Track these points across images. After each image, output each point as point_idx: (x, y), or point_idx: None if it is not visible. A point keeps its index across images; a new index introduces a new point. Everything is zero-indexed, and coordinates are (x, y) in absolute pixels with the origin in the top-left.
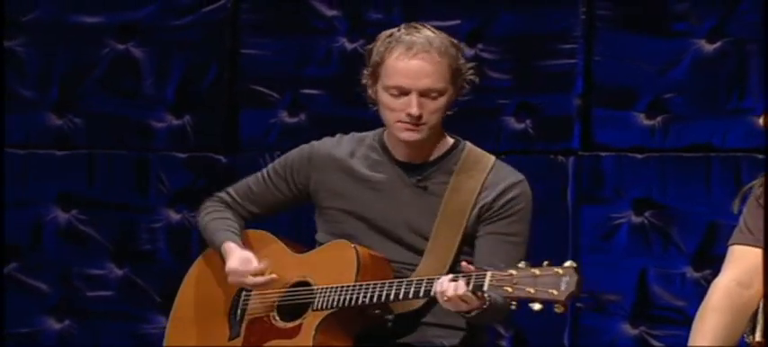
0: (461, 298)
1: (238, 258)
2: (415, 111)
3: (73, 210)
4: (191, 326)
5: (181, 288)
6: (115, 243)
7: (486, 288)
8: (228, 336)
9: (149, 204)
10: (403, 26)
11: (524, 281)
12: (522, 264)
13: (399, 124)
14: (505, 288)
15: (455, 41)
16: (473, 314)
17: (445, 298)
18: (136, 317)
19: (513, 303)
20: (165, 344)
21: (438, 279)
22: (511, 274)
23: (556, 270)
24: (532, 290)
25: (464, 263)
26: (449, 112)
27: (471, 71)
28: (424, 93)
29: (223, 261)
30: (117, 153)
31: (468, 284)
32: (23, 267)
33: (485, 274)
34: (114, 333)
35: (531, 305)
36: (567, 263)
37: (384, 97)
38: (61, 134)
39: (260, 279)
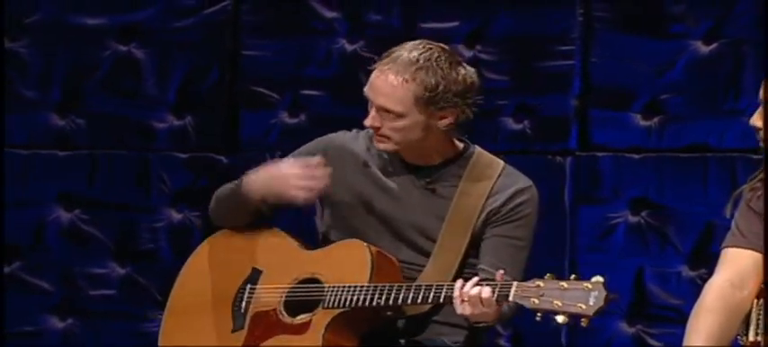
0: (482, 302)
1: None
2: (368, 121)
3: (75, 210)
4: (189, 317)
5: (179, 277)
6: (117, 242)
7: (511, 297)
8: (231, 328)
9: (151, 204)
10: (412, 42)
11: (551, 294)
12: (548, 276)
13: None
14: (532, 299)
15: (452, 75)
16: (481, 324)
17: (465, 298)
18: (138, 316)
19: (539, 314)
20: (161, 334)
21: (456, 284)
22: (538, 286)
23: (584, 284)
24: (559, 303)
25: (499, 274)
26: (453, 130)
27: (466, 107)
28: (380, 110)
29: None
30: (118, 153)
31: (493, 291)
32: (26, 266)
33: (511, 284)
34: (116, 331)
35: (555, 317)
36: (595, 278)
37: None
38: (63, 134)
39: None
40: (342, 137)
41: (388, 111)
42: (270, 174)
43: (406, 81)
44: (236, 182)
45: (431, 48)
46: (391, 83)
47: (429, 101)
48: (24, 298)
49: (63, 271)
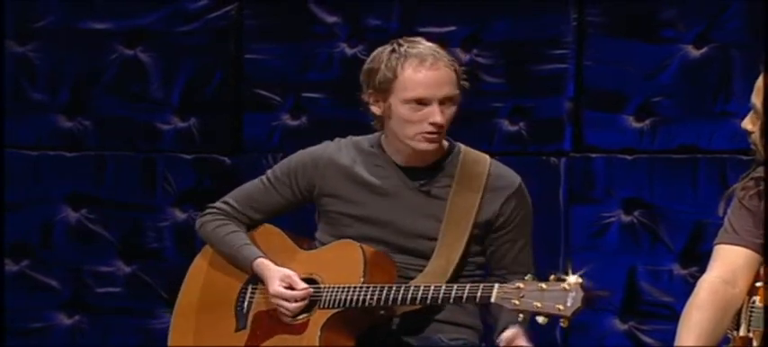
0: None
1: (279, 279)
2: (439, 119)
3: (82, 210)
4: (196, 317)
5: (185, 279)
6: (123, 241)
7: (493, 299)
8: (235, 327)
9: (156, 204)
10: (400, 40)
11: (531, 295)
12: (528, 277)
13: (420, 136)
14: (513, 301)
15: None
16: None
17: None
18: (143, 313)
19: (521, 315)
20: (170, 334)
21: (444, 286)
22: (518, 287)
23: (563, 285)
24: (539, 304)
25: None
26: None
27: (465, 76)
28: (443, 102)
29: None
30: (125, 154)
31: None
32: (35, 264)
33: (493, 286)
34: (122, 328)
35: (536, 317)
36: (573, 279)
37: (402, 111)
38: (71, 136)
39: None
40: (327, 149)
41: (450, 99)
42: (267, 283)
43: (449, 63)
44: (243, 253)
45: (417, 39)
46: (446, 71)
47: (460, 77)
48: (33, 295)
49: (70, 269)
